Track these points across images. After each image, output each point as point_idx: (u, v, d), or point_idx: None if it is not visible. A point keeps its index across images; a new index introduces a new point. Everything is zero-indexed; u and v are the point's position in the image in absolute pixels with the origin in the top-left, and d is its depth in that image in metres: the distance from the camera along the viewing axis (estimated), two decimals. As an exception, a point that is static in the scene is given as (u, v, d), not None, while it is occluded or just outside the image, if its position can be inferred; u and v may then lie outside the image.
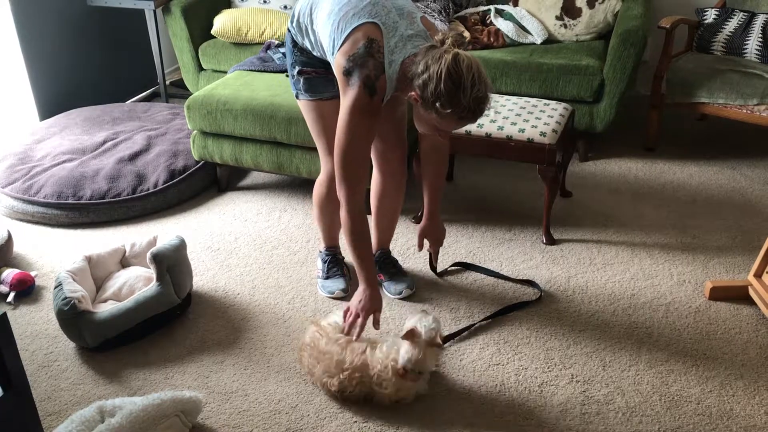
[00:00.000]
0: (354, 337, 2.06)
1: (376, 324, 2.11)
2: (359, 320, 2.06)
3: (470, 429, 1.94)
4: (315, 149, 2.96)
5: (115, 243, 2.61)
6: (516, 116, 2.78)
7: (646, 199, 3.14)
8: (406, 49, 1.90)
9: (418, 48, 1.88)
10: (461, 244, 2.81)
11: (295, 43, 2.16)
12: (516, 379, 2.13)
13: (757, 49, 3.44)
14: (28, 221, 3.06)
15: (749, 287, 2.43)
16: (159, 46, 4.08)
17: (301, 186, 3.32)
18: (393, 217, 2.49)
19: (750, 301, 2.44)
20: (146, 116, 3.75)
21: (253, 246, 2.84)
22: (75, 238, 2.93)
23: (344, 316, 2.11)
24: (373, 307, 2.08)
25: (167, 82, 4.52)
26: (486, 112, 1.91)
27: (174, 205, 3.17)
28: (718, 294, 2.46)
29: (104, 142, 3.41)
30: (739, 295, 2.45)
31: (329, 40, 1.96)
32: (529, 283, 2.56)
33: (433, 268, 2.62)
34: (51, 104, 3.87)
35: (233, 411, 2.02)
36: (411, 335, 1.98)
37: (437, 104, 1.79)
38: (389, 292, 2.51)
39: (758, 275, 2.42)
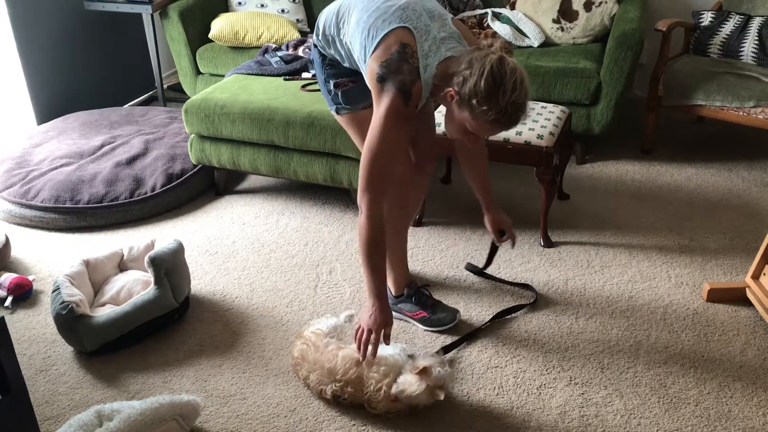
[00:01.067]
0: (370, 357, 1.98)
1: (387, 339, 2.01)
2: (372, 337, 1.96)
3: (468, 431, 1.94)
4: (312, 152, 2.97)
5: (113, 247, 2.61)
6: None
7: (644, 201, 3.14)
8: (440, 52, 1.85)
9: (453, 50, 1.85)
10: (459, 247, 2.81)
11: (323, 57, 2.10)
12: (514, 381, 2.13)
13: (753, 52, 3.45)
14: (26, 225, 3.05)
15: (746, 289, 2.43)
16: (156, 50, 4.08)
17: (298, 189, 3.32)
18: (404, 247, 2.41)
19: (747, 303, 2.44)
20: (144, 120, 3.75)
21: (251, 249, 2.84)
22: (73, 242, 2.93)
23: (355, 335, 2.02)
24: (384, 322, 1.98)
25: (165, 86, 4.52)
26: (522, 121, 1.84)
27: (172, 209, 3.17)
28: (716, 296, 2.46)
29: (102, 146, 3.41)
30: (736, 297, 2.46)
31: (360, 48, 1.91)
32: (525, 286, 2.56)
33: (489, 263, 2.50)
34: (48, 108, 3.87)
35: (231, 414, 2.02)
36: (423, 372, 1.93)
37: (473, 101, 1.74)
38: (443, 324, 2.35)
39: (756, 277, 2.42)
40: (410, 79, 1.83)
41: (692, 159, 3.54)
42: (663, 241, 2.83)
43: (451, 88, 1.80)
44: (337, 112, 2.15)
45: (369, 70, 1.88)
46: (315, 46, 2.12)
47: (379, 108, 1.87)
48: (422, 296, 2.38)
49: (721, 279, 2.60)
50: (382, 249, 1.96)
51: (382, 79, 1.84)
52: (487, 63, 1.72)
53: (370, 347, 1.97)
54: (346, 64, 2.06)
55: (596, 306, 2.45)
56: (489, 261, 2.51)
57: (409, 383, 1.93)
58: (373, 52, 1.87)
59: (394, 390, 1.94)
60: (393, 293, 2.39)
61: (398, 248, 2.35)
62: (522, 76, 1.75)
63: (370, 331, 1.96)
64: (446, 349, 2.23)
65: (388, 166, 1.91)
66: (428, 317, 2.34)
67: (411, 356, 2.11)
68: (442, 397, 1.92)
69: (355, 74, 2.07)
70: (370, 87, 1.91)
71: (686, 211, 3.06)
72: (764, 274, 2.38)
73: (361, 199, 1.92)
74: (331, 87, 2.11)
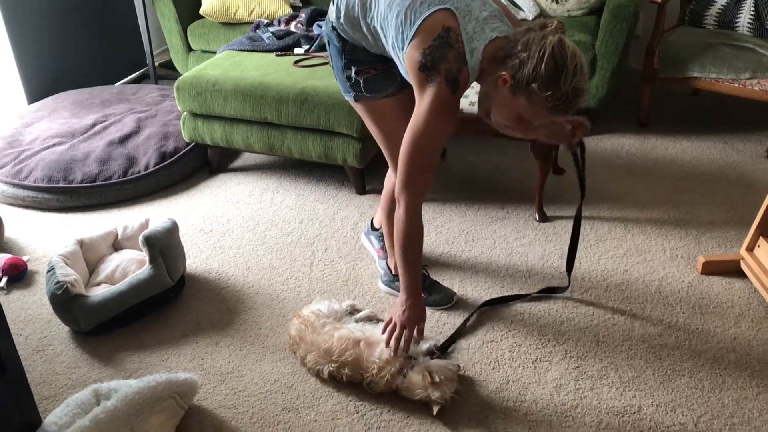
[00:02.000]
0: (403, 353, 1.95)
1: (420, 334, 1.99)
2: (405, 332, 1.93)
3: (465, 406, 1.95)
4: (306, 129, 2.95)
5: (107, 226, 2.60)
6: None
7: (639, 174, 3.14)
8: (485, 33, 1.71)
9: (498, 30, 1.72)
10: (454, 223, 2.81)
11: (344, 42, 1.96)
12: (510, 355, 2.14)
13: (749, 23, 3.43)
14: (19, 206, 3.04)
15: (741, 261, 2.44)
16: (147, 27, 4.04)
17: (292, 167, 3.31)
18: None
19: (742, 275, 2.45)
20: (135, 98, 3.72)
21: (245, 227, 2.83)
22: (66, 222, 2.92)
23: (384, 328, 1.99)
24: (418, 318, 1.95)
25: (156, 64, 4.48)
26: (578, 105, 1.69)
27: (165, 188, 3.16)
28: (711, 268, 2.47)
29: (94, 125, 3.38)
30: (731, 269, 2.47)
31: (396, 34, 1.77)
32: (551, 290, 2.40)
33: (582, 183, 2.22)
34: (39, 87, 3.83)
35: (229, 392, 2.03)
36: (434, 384, 1.90)
37: (533, 85, 1.62)
38: (383, 268, 2.45)
39: (750, 249, 2.43)
40: (456, 67, 1.70)
41: (687, 131, 3.54)
42: (658, 215, 2.83)
43: (504, 72, 1.67)
44: (355, 99, 2.04)
45: (408, 59, 1.74)
46: (333, 29, 1.97)
47: (424, 99, 1.74)
48: None
49: (716, 251, 2.60)
50: (418, 245, 1.90)
51: (425, 68, 1.71)
52: (548, 45, 1.60)
53: (402, 343, 1.95)
54: (374, 50, 1.93)
55: (591, 280, 2.46)
56: (582, 181, 2.20)
57: (416, 386, 1.92)
58: (412, 39, 1.72)
59: (398, 382, 1.94)
60: (392, 272, 2.39)
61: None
62: (581, 61, 1.64)
63: (402, 327, 1.93)
64: (445, 346, 2.16)
65: (431, 162, 1.82)
66: (424, 298, 2.32)
67: (416, 341, 2.12)
68: (434, 412, 1.90)
69: (378, 61, 1.96)
70: (410, 76, 1.78)
71: (681, 184, 3.05)
72: (758, 246, 2.39)
73: (400, 193, 1.83)
74: (352, 74, 1.98)
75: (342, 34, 1.96)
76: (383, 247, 2.46)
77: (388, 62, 1.95)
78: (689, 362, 2.09)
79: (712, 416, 1.91)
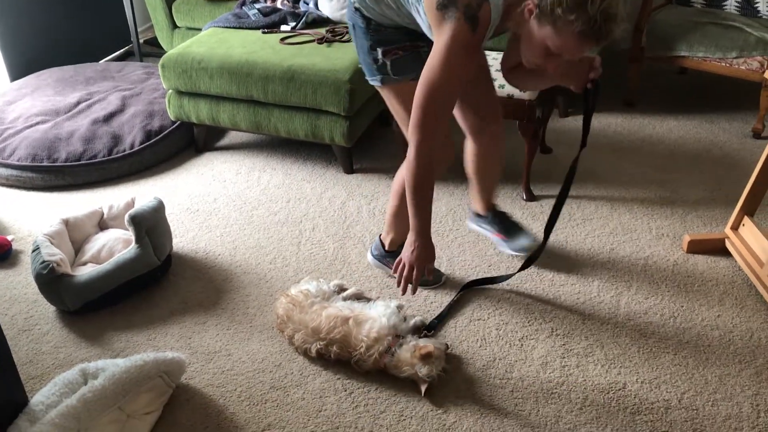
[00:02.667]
0: (411, 293, 1.96)
1: (429, 274, 1.98)
2: (414, 273, 1.92)
3: (452, 382, 1.97)
4: (293, 107, 2.93)
5: (93, 205, 2.58)
6: (496, 72, 2.75)
7: (626, 153, 3.15)
8: None
9: None
10: (442, 203, 2.81)
11: (368, 21, 1.91)
12: (497, 333, 2.15)
13: (737, 2, 3.42)
14: (2, 185, 3.00)
15: (726, 240, 2.46)
16: (132, 4, 3.98)
17: (280, 145, 3.29)
18: (496, 175, 2.42)
19: (727, 254, 2.47)
20: (120, 76, 3.67)
21: (232, 207, 2.82)
22: (51, 201, 2.89)
23: (395, 269, 1.97)
24: (427, 258, 1.93)
25: (141, 41, 4.42)
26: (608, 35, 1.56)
27: (151, 166, 3.13)
28: (696, 247, 2.49)
29: (78, 103, 3.34)
30: (716, 248, 2.49)
31: None
32: (530, 261, 2.33)
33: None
34: (21, 65, 3.77)
35: (217, 371, 2.03)
36: (423, 358, 1.90)
37: (558, 10, 1.52)
38: (512, 249, 2.45)
39: (735, 228, 2.45)
40: (477, 2, 1.62)
41: (674, 111, 3.54)
42: (644, 194, 2.85)
43: (529, 1, 1.58)
44: (382, 83, 1.98)
45: (427, 3, 1.68)
46: (356, 9, 1.92)
47: (441, 38, 1.67)
48: (502, 218, 2.49)
49: (701, 230, 2.62)
50: (427, 188, 1.86)
51: (443, 6, 1.64)
52: None
53: (411, 282, 1.94)
54: (398, 20, 1.89)
55: (578, 258, 2.47)
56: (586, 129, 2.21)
57: (404, 363, 1.93)
58: None
59: (387, 360, 1.95)
60: (385, 248, 2.38)
61: (493, 187, 2.46)
62: None
63: (411, 267, 1.92)
64: (432, 324, 2.16)
65: (446, 104, 1.76)
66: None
67: (402, 312, 2.12)
68: (423, 392, 1.91)
69: (406, 40, 1.92)
70: (429, 18, 1.71)
71: (668, 163, 3.07)
72: (743, 225, 2.41)
73: (412, 133, 1.79)
74: (379, 55, 1.93)
75: (366, 12, 1.91)
76: (500, 231, 2.47)
77: (415, 41, 1.91)
78: (674, 339, 2.12)
79: (696, 392, 1.93)
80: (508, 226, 2.48)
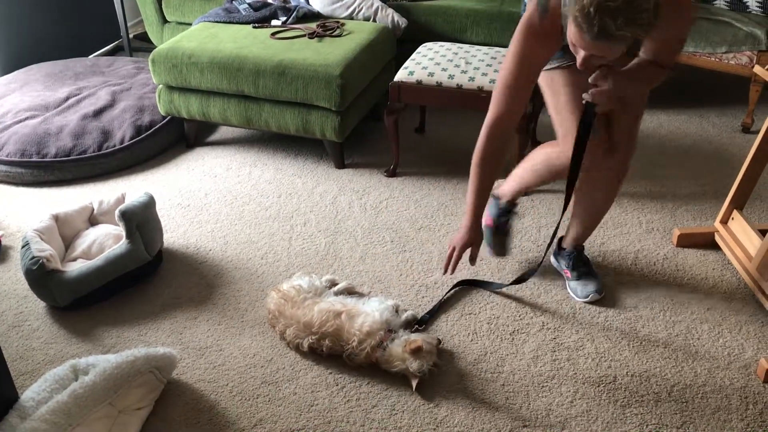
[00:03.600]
0: (449, 272, 1.98)
1: (472, 261, 1.98)
2: (455, 253, 1.94)
3: (444, 376, 1.97)
4: (284, 102, 2.93)
5: (83, 201, 2.57)
6: (487, 67, 2.76)
7: (616, 148, 3.16)
8: None
9: None
10: (433, 197, 2.81)
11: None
12: (488, 327, 2.16)
13: (726, -3, 3.44)
14: (-8, 180, 2.99)
15: (715, 234, 2.48)
16: (121, -2, 3.95)
17: (270, 140, 3.28)
18: (598, 214, 2.20)
19: (716, 247, 2.49)
20: (110, 71, 3.65)
21: (223, 202, 2.82)
22: (41, 197, 2.88)
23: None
24: (469, 240, 1.94)
25: (130, 36, 4.40)
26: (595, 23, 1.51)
27: (141, 162, 3.12)
28: (686, 241, 2.50)
29: (67, 98, 3.32)
30: (705, 242, 2.50)
31: None
32: (528, 274, 2.30)
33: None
34: (10, 59, 3.75)
35: (208, 366, 2.03)
36: (413, 353, 1.91)
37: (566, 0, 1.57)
38: (576, 294, 2.26)
39: (724, 222, 2.46)
40: None
41: (664, 105, 3.56)
42: (634, 188, 2.86)
43: None
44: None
45: None
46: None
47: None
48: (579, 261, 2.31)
49: (691, 224, 2.64)
50: (489, 164, 1.91)
51: None
52: None
53: (452, 261, 1.97)
54: None
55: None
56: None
57: (395, 357, 1.93)
58: None
59: (378, 355, 1.95)
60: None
61: (588, 224, 2.24)
62: None
63: (453, 248, 1.96)
64: (424, 319, 2.16)
65: (507, 81, 1.84)
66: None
67: (397, 310, 2.12)
68: (414, 387, 1.91)
69: None
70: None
71: (658, 158, 3.08)
72: (732, 219, 2.42)
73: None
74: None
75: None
76: (569, 267, 2.31)
77: None
78: (663, 333, 2.13)
79: (685, 385, 1.94)
80: (582, 272, 2.29)
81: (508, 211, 2.36)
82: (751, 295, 2.27)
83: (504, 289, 2.30)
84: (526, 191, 2.37)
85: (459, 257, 1.96)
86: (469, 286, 2.33)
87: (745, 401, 1.89)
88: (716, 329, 2.14)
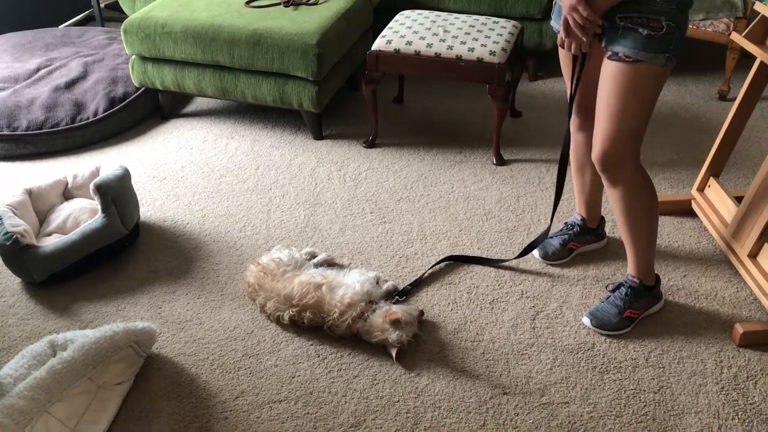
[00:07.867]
0: (571, 48, 1.79)
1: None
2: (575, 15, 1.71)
3: (424, 345, 1.98)
4: (260, 72, 2.88)
5: (56, 175, 2.52)
6: (465, 35, 2.73)
7: (594, 117, 3.16)
8: None
9: None
10: (413, 168, 2.80)
11: None
12: (468, 296, 2.17)
13: (704, -37, 3.43)
14: (-38, 155, 2.93)
15: (692, 201, 2.50)
16: (90, -34, 3.85)
17: (247, 112, 3.24)
18: (628, 234, 1.99)
19: (693, 215, 2.51)
20: (81, 41, 3.57)
21: (200, 174, 2.78)
22: (13, 171, 2.82)
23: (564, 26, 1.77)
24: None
25: (102, 5, 4.30)
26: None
27: (116, 134, 3.07)
28: (663, 208, 2.52)
29: (38, 69, 3.24)
30: (682, 209, 2.52)
31: None
32: (527, 250, 2.28)
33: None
34: (-23, 30, 3.65)
35: (188, 339, 2.02)
36: (394, 323, 1.91)
37: None
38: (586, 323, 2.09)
39: (701, 189, 2.48)
40: None
41: (642, 74, 3.56)
42: (612, 156, 2.86)
43: None
44: (665, 64, 1.74)
45: None
46: None
47: None
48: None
49: (668, 192, 2.66)
50: None
51: None
52: None
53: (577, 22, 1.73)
54: None
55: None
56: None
57: (376, 328, 1.94)
58: None
59: (359, 326, 1.96)
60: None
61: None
62: None
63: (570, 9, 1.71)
64: (405, 290, 2.16)
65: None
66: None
67: (378, 281, 2.12)
68: (394, 357, 1.92)
69: None
70: None
71: (635, 126, 3.09)
72: (709, 187, 2.45)
73: None
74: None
75: None
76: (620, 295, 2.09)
77: None
78: (641, 300, 2.15)
79: (662, 351, 1.97)
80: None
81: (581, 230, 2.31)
82: (726, 261, 2.30)
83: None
84: (587, 203, 2.28)
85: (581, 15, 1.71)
86: (458, 262, 2.31)
87: (720, 365, 1.93)
88: (693, 295, 2.17)
